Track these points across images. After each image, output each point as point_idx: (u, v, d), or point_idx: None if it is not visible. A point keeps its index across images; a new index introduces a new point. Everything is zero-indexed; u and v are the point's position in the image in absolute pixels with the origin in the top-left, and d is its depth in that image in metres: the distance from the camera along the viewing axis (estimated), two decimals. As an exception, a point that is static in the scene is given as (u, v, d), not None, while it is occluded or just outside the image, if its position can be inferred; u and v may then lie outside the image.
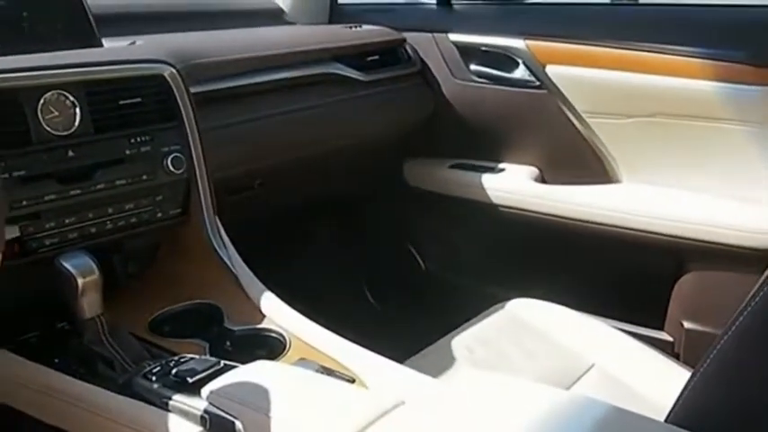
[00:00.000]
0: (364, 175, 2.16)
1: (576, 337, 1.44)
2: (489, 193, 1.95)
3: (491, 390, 1.20)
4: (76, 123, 1.26)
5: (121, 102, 1.32)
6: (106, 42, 1.49)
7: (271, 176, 1.76)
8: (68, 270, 1.15)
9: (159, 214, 1.37)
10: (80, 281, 1.14)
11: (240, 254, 1.40)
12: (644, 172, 1.85)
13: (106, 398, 1.06)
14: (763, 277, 0.86)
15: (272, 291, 1.32)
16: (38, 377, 1.12)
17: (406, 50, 2.07)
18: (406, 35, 2.07)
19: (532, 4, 2.27)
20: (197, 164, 1.39)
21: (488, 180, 1.97)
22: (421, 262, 2.24)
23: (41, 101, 1.22)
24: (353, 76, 1.89)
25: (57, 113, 1.24)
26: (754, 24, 1.76)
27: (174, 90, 1.38)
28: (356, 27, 2.07)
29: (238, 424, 0.93)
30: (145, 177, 1.33)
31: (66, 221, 1.24)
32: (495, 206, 1.95)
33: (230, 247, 1.40)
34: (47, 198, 1.21)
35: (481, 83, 1.99)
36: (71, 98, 1.25)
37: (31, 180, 1.19)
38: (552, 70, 1.87)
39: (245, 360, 1.07)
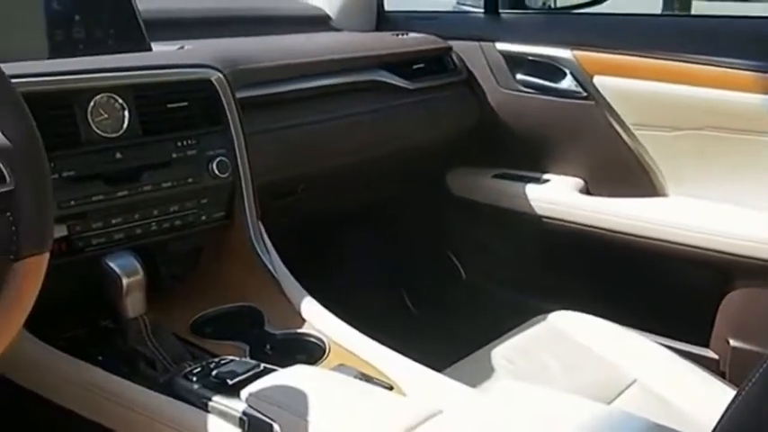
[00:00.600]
0: (407, 183, 2.16)
1: (618, 352, 1.42)
2: (533, 203, 1.94)
3: (530, 401, 1.19)
4: (125, 126, 1.27)
5: (169, 105, 1.34)
6: (155, 46, 1.51)
7: (314, 182, 1.76)
8: (114, 270, 1.16)
9: (203, 217, 1.38)
10: (125, 281, 1.16)
11: (282, 258, 1.41)
12: (691, 185, 1.83)
13: (147, 396, 1.07)
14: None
15: (312, 296, 1.33)
16: (81, 374, 1.14)
17: (452, 59, 2.06)
18: (453, 43, 2.07)
19: (581, 14, 2.25)
20: (242, 168, 1.40)
21: (532, 190, 1.95)
22: (462, 271, 2.23)
23: (92, 103, 1.24)
24: (399, 83, 1.89)
25: (106, 116, 1.26)
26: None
27: (221, 95, 1.39)
28: (403, 35, 2.07)
29: (276, 427, 0.93)
30: (190, 180, 1.34)
31: (113, 222, 1.26)
32: (539, 217, 1.94)
33: (272, 251, 1.40)
34: (94, 198, 1.23)
35: (527, 92, 1.98)
36: (120, 101, 1.27)
37: (80, 180, 1.21)
38: (600, 81, 1.86)
39: (284, 364, 1.08)
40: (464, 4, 2.25)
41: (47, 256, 0.89)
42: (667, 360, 1.41)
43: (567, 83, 1.91)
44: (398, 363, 1.15)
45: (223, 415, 1.00)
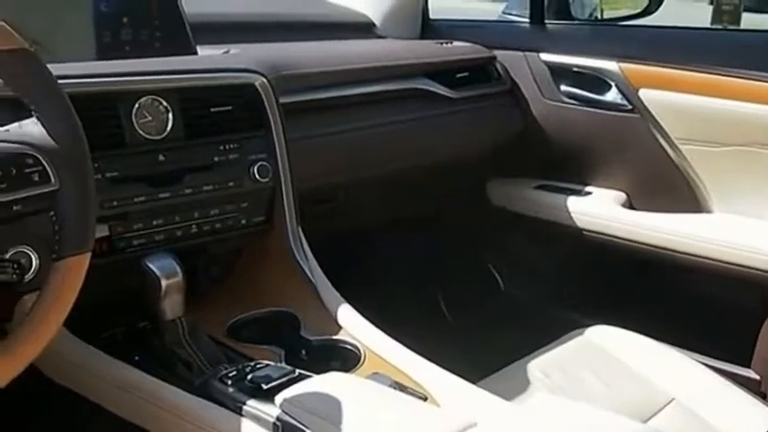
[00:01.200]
0: (447, 192, 2.15)
1: (657, 369, 1.40)
2: (574, 216, 1.92)
3: (566, 416, 1.17)
4: (168, 128, 1.28)
5: (213, 109, 1.35)
6: (201, 50, 1.52)
7: (354, 189, 1.76)
8: (153, 271, 1.17)
9: (243, 221, 1.38)
10: (164, 282, 1.16)
11: (319, 264, 1.41)
12: (736, 202, 1.80)
13: (182, 398, 1.08)
14: None
15: (349, 303, 1.33)
16: (118, 373, 1.15)
17: (496, 68, 2.05)
18: (497, 53, 2.06)
19: (627, 26, 2.23)
20: (282, 173, 1.40)
21: (574, 203, 1.94)
22: (500, 282, 2.22)
23: (136, 105, 1.25)
24: (442, 92, 1.89)
25: (150, 118, 1.27)
26: None
27: (264, 100, 1.40)
28: (447, 43, 2.07)
29: (309, 433, 0.93)
30: (231, 184, 1.34)
31: (154, 223, 1.27)
32: (580, 230, 1.92)
33: (311, 257, 1.40)
34: (136, 200, 1.24)
35: (571, 104, 1.96)
36: (165, 104, 1.28)
37: (123, 181, 1.22)
38: (645, 94, 1.84)
39: (319, 370, 1.08)
40: (509, 14, 2.24)
41: (88, 255, 0.90)
42: (707, 379, 1.39)
43: (612, 95, 1.89)
44: (433, 373, 1.15)
45: (257, 419, 1.00)
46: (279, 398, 0.98)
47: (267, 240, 1.43)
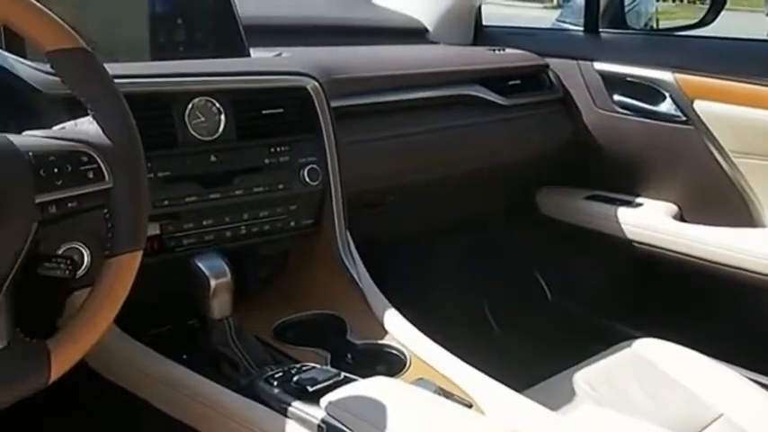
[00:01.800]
0: (496, 199, 2.14)
1: (705, 384, 1.37)
2: (624, 227, 1.90)
3: (611, 429, 1.16)
4: (221, 130, 1.29)
5: (264, 111, 1.35)
6: (253, 52, 1.53)
7: (402, 194, 1.76)
8: (202, 271, 1.18)
9: (292, 223, 1.39)
10: (213, 282, 1.17)
11: (366, 268, 1.41)
12: (792, 217, 1.77)
13: (228, 397, 1.08)
14: None
15: (395, 307, 1.32)
16: (166, 371, 1.16)
17: (548, 76, 2.04)
18: (550, 61, 2.05)
19: (683, 36, 2.20)
20: (332, 177, 1.41)
21: (624, 214, 1.91)
22: (547, 291, 2.20)
23: (190, 106, 1.26)
24: (494, 99, 1.88)
25: (203, 119, 1.28)
26: None
27: (316, 103, 1.40)
28: (499, 50, 2.06)
29: (354, 437, 0.93)
30: (281, 186, 1.35)
31: (204, 223, 1.28)
32: (630, 241, 1.89)
33: (359, 260, 1.40)
34: (187, 200, 1.25)
35: (624, 114, 1.94)
36: (218, 105, 1.29)
37: (174, 181, 1.23)
38: (700, 106, 1.81)
39: (364, 374, 1.08)
40: (563, 22, 2.22)
41: (140, 253, 0.91)
42: (757, 396, 1.36)
43: (666, 106, 1.87)
44: (479, 380, 1.14)
45: (302, 421, 1.00)
46: (324, 400, 0.98)
47: (315, 243, 1.43)
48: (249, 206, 1.32)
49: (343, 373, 1.06)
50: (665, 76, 1.86)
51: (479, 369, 1.16)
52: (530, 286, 2.23)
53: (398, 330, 1.27)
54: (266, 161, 1.34)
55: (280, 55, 1.55)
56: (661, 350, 1.47)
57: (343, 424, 0.95)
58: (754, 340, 1.73)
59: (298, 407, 1.01)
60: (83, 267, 1.09)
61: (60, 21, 0.89)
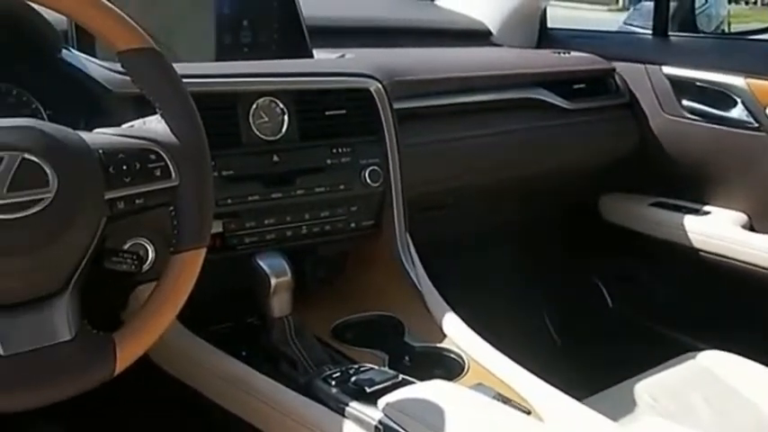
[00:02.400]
0: (557, 204, 2.12)
1: (775, 401, 1.34)
2: (691, 236, 1.86)
3: (674, 442, 1.14)
4: (284, 130, 1.30)
5: (327, 112, 1.36)
6: (316, 53, 1.53)
7: (464, 197, 1.75)
8: (263, 269, 1.19)
9: (352, 224, 1.39)
10: (273, 281, 1.18)
11: (425, 270, 1.40)
12: None
13: (286, 395, 1.09)
14: None
15: (453, 311, 1.32)
16: (225, 366, 1.17)
17: (614, 80, 2.01)
18: (617, 65, 2.02)
19: (757, 41, 2.15)
20: (393, 178, 1.40)
21: (691, 222, 1.88)
22: (608, 299, 2.17)
23: (254, 106, 1.27)
24: (558, 103, 1.85)
25: (266, 119, 1.29)
26: None
27: (379, 105, 1.40)
28: (564, 53, 2.03)
29: (411, 439, 0.93)
30: (342, 187, 1.35)
31: (266, 222, 1.29)
32: (696, 250, 1.85)
33: (418, 263, 1.40)
34: (250, 199, 1.26)
35: (693, 120, 1.90)
36: (281, 105, 1.30)
37: (237, 180, 1.25)
38: (774, 112, 1.77)
39: (422, 377, 1.07)
40: (631, 25, 2.19)
41: (204, 250, 0.92)
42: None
43: (738, 112, 1.82)
44: (538, 387, 1.13)
45: (359, 421, 1.00)
46: (382, 401, 0.98)
47: (375, 244, 1.44)
48: (310, 206, 1.33)
49: (401, 376, 1.06)
50: (736, 81, 1.82)
51: (537, 376, 1.15)
52: (590, 293, 2.20)
53: (457, 334, 1.27)
54: (328, 162, 1.34)
55: (343, 56, 1.55)
56: (727, 363, 1.43)
57: (400, 426, 0.94)
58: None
59: (355, 407, 1.01)
60: (147, 262, 1.11)
61: (132, 21, 0.91)
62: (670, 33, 2.05)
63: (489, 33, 2.15)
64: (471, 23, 2.16)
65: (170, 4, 1.43)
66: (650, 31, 2.08)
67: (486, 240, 2.08)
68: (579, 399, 1.12)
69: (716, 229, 1.85)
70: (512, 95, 1.79)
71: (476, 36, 2.13)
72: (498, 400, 1.07)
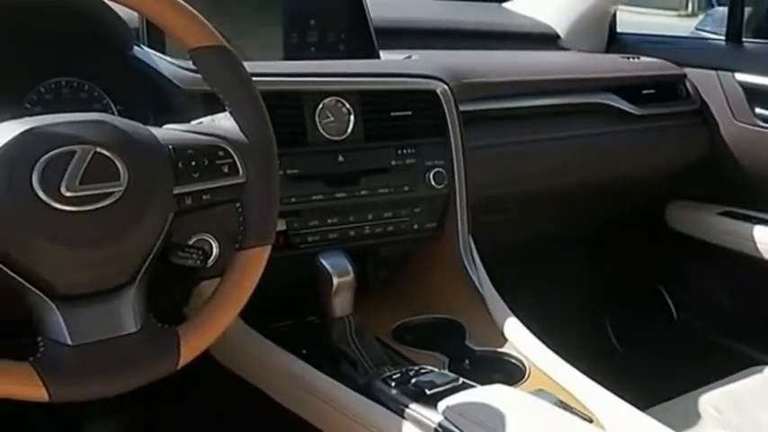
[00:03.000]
0: (622, 211, 2.08)
1: None
2: (760, 246, 1.81)
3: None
4: (349, 130, 1.30)
5: (393, 113, 1.36)
6: (382, 54, 1.54)
7: (527, 201, 1.74)
8: (326, 268, 1.19)
9: (415, 226, 1.39)
10: (336, 280, 1.18)
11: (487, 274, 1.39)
12: None
13: (345, 395, 1.09)
14: None
15: (514, 315, 1.31)
16: (285, 364, 1.18)
17: (685, 86, 1.97)
18: (687, 71, 1.97)
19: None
20: (458, 181, 1.40)
21: (761, 233, 1.83)
22: (673, 309, 2.13)
23: (320, 106, 1.28)
24: (626, 108, 1.82)
25: (332, 119, 1.29)
26: None
27: (445, 107, 1.40)
28: (634, 58, 2.00)
29: (470, 443, 0.92)
30: (406, 189, 1.35)
31: (329, 222, 1.29)
32: (766, 262, 1.81)
33: (480, 266, 1.39)
34: (314, 198, 1.27)
35: (766, 128, 1.85)
36: (347, 105, 1.30)
37: (302, 179, 1.26)
38: None
39: (482, 381, 1.07)
40: (703, 30, 2.14)
41: (269, 248, 0.93)
42: None
43: (814, 121, 1.77)
44: (600, 395, 1.11)
45: (418, 423, 0.99)
46: (442, 404, 0.98)
47: (437, 246, 1.43)
48: (374, 206, 1.33)
49: (461, 379, 1.06)
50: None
51: (597, 383, 1.13)
52: (654, 302, 2.17)
53: (518, 339, 1.25)
54: (393, 163, 1.34)
55: (409, 57, 1.55)
56: (796, 378, 1.40)
57: (460, 430, 0.94)
58: None
59: (415, 409, 1.01)
60: (212, 258, 1.12)
61: (204, 20, 0.92)
62: (744, 39, 2.00)
63: (557, 37, 2.13)
64: (539, 27, 2.14)
65: (239, 2, 1.45)
66: (723, 37, 2.04)
67: (550, 245, 2.06)
68: (641, 408, 1.10)
69: (787, 241, 1.80)
70: (579, 100, 1.76)
71: (543, 39, 2.11)
72: (560, 406, 1.06)
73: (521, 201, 1.73)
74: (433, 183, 1.36)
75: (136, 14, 1.14)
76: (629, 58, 2.01)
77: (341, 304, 1.20)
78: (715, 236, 1.94)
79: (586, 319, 2.22)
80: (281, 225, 1.24)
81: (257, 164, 0.91)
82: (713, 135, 1.94)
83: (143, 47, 1.24)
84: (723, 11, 2.05)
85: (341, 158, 1.30)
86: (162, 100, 1.18)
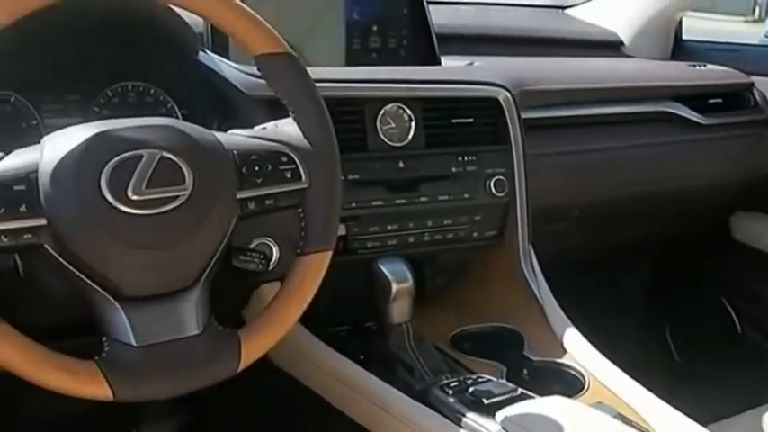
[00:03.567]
0: (686, 222, 2.04)
1: None
2: (830, 260, 1.77)
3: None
4: (410, 137, 1.30)
5: (454, 120, 1.35)
6: (444, 61, 1.53)
7: (588, 210, 1.71)
8: (385, 274, 1.19)
9: (474, 233, 1.38)
10: (394, 286, 1.19)
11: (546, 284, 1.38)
12: None
13: (402, 401, 1.09)
14: None
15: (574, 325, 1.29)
16: (343, 368, 1.18)
17: (753, 95, 1.92)
18: (756, 79, 1.93)
19: None
20: (518, 189, 1.39)
21: (830, 246, 1.78)
22: (737, 323, 2.08)
23: (381, 112, 1.28)
24: (692, 117, 1.78)
25: (393, 125, 1.29)
26: None
27: (507, 114, 1.39)
28: (700, 66, 1.96)
29: (528, 455, 0.91)
30: (466, 196, 1.35)
31: (388, 228, 1.30)
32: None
33: (540, 275, 1.38)
34: (374, 203, 1.27)
35: (837, 139, 1.81)
36: (409, 112, 1.30)
37: (363, 185, 1.26)
38: None
39: (540, 392, 1.06)
40: (774, 38, 2.09)
41: (330, 254, 0.93)
42: None
43: None
44: (661, 410, 1.09)
45: (475, 433, 0.99)
46: (500, 414, 0.97)
47: (496, 254, 1.42)
48: (433, 213, 1.33)
49: (520, 389, 1.05)
50: None
51: (657, 395, 1.11)
52: (717, 315, 2.12)
53: (578, 349, 1.24)
54: (453, 170, 1.34)
55: (471, 64, 1.54)
56: None
57: (518, 440, 0.93)
58: None
59: (472, 418, 1.00)
60: (272, 261, 1.13)
61: (269, 26, 0.93)
62: (815, 47, 1.96)
63: (621, 44, 2.10)
64: (603, 34, 2.11)
65: (302, 9, 1.46)
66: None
67: (610, 255, 2.03)
68: (702, 424, 1.08)
69: None
70: (643, 108, 1.73)
71: (607, 46, 2.09)
72: (619, 420, 1.04)
73: (581, 209, 1.71)
74: (493, 190, 1.35)
75: (200, 19, 1.15)
76: (694, 65, 1.97)
77: (399, 311, 1.20)
78: (782, 249, 1.89)
79: (647, 330, 2.19)
80: (341, 230, 1.24)
81: (320, 170, 0.92)
82: None
83: (208, 52, 1.26)
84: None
85: (401, 165, 1.30)
86: (225, 105, 1.20)
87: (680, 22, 2.15)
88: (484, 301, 1.41)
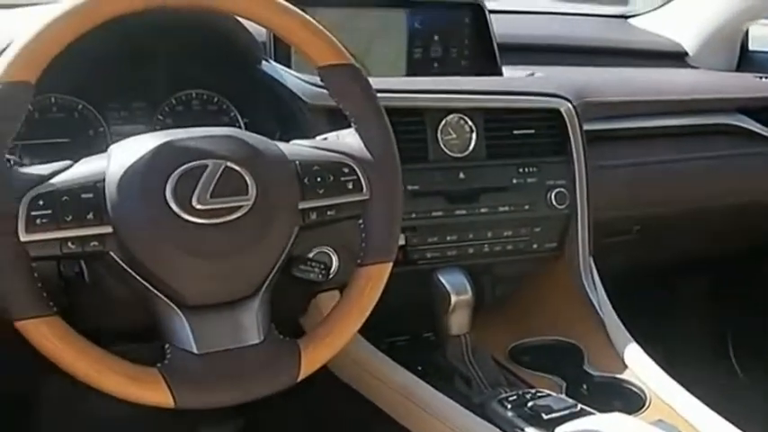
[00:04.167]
0: (749, 237, 1.99)
1: None
2: None
3: None
4: (471, 147, 1.30)
5: (515, 131, 1.35)
6: (505, 71, 1.52)
7: (650, 224, 1.69)
8: (444, 285, 1.19)
9: (534, 245, 1.37)
10: (453, 298, 1.18)
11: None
12: None
13: (460, 414, 1.08)
14: None
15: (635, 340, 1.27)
16: (400, 379, 1.17)
17: (822, 108, 1.88)
18: None
19: None
20: (580, 201, 1.37)
21: None
22: (803, 341, 2.03)
23: (442, 122, 1.28)
24: (758, 130, 1.74)
25: (454, 136, 1.29)
26: None
27: (569, 126, 1.38)
28: (766, 78, 1.92)
29: (588, 472, 0.90)
30: (526, 208, 1.34)
31: (448, 239, 1.29)
32: None
33: (601, 289, 1.36)
34: (434, 214, 1.27)
35: None
36: (470, 123, 1.30)
37: (423, 195, 1.26)
38: None
39: (600, 408, 1.04)
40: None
41: (390, 265, 0.94)
42: None
43: None
44: (722, 428, 1.07)
45: (533, 448, 0.98)
46: (559, 430, 0.96)
47: (556, 267, 1.41)
48: (493, 225, 1.32)
49: (579, 405, 1.04)
50: None
51: (720, 414, 1.09)
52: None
53: (639, 366, 1.22)
54: (514, 181, 1.33)
55: (533, 74, 1.53)
56: None
57: (578, 457, 0.92)
58: None
59: (531, 433, 0.99)
60: (332, 271, 1.13)
61: (333, 37, 0.94)
62: None
63: (685, 54, 2.06)
64: (666, 44, 2.08)
65: (365, 19, 1.46)
66: None
67: (671, 269, 1.99)
68: (768, 442, 1.06)
69: None
70: (708, 121, 1.70)
71: (671, 57, 2.05)
72: (680, 438, 1.02)
73: (644, 223, 1.68)
74: (554, 203, 1.34)
75: (264, 29, 1.17)
76: (762, 77, 1.92)
77: (458, 322, 1.20)
78: None
79: (708, 346, 2.14)
80: (401, 240, 1.24)
81: (381, 182, 0.92)
82: None
83: (271, 61, 1.27)
84: None
85: (462, 175, 1.29)
86: (287, 114, 1.20)
87: (747, 33, 2.10)
88: (543, 314, 1.40)
